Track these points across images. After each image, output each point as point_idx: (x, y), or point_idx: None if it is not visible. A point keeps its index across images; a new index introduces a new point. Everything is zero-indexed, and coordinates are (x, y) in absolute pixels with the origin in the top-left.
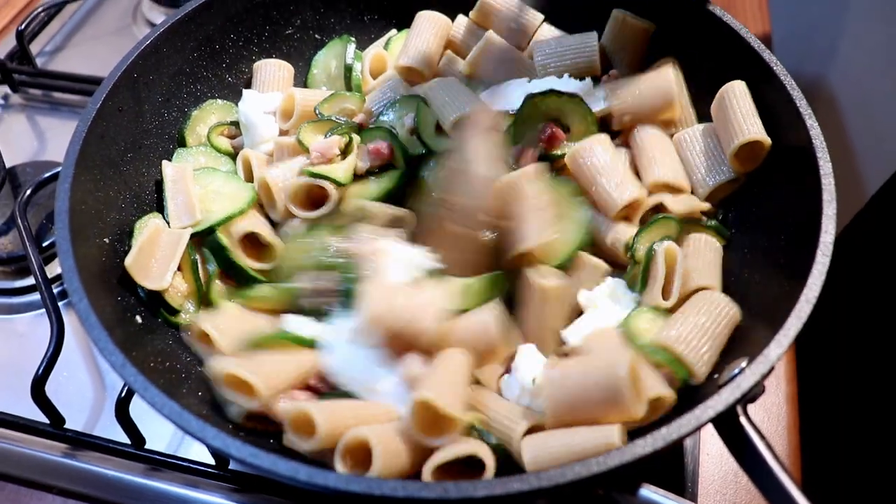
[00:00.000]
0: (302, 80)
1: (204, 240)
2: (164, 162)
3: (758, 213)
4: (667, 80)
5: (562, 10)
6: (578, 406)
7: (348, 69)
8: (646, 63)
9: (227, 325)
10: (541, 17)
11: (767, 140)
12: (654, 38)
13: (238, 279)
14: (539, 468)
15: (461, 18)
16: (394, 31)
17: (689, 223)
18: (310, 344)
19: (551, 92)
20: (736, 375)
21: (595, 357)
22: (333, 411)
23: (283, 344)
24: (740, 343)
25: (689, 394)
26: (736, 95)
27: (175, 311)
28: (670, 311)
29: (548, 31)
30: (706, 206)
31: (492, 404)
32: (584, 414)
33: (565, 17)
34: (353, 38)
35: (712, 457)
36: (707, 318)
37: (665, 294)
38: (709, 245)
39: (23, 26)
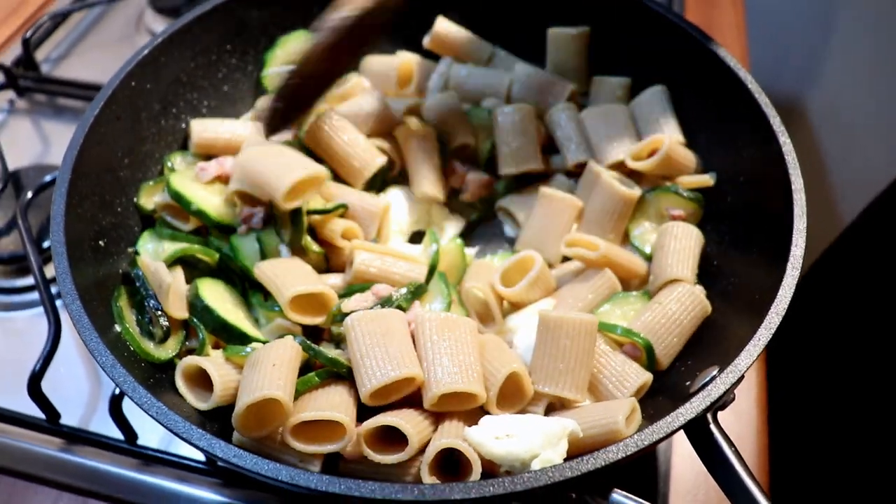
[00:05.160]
0: None
1: (192, 308)
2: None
3: (733, 228)
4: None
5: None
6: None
7: None
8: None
9: (222, 369)
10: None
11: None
12: (634, 60)
13: (229, 339)
14: None
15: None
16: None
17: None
18: None
19: None
20: (707, 384)
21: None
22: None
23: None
24: (712, 339)
25: (660, 390)
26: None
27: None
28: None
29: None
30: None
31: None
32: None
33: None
34: None
35: (684, 458)
36: (680, 311)
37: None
38: (686, 233)
39: (29, 34)
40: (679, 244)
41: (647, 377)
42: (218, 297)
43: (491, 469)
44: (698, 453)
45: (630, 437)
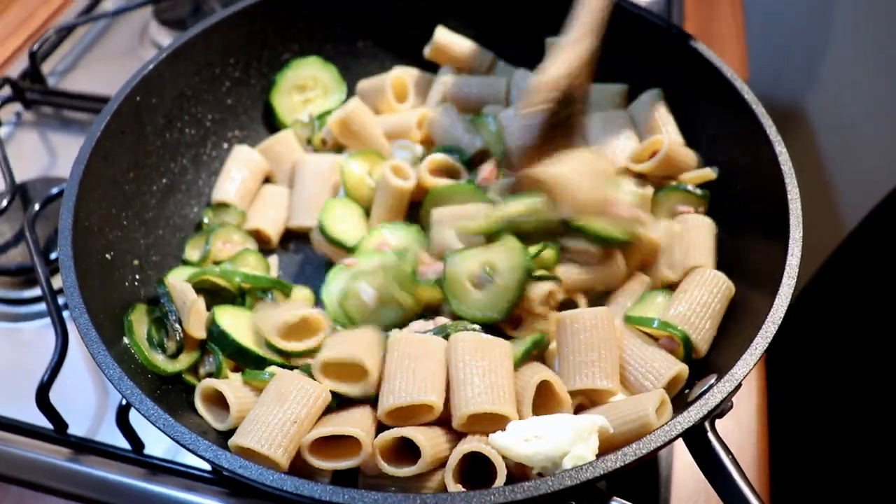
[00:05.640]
0: None
1: (209, 333)
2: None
3: (730, 233)
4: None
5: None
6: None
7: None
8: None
9: (239, 391)
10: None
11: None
12: (632, 68)
13: (245, 362)
14: None
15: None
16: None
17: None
18: None
19: None
20: (704, 392)
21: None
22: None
23: None
24: (710, 347)
25: None
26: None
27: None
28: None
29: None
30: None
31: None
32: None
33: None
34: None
35: (685, 464)
36: (707, 295)
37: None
38: (699, 222)
39: (36, 47)
40: (694, 234)
41: (679, 367)
42: (236, 322)
43: (523, 473)
44: (696, 461)
45: (629, 445)
